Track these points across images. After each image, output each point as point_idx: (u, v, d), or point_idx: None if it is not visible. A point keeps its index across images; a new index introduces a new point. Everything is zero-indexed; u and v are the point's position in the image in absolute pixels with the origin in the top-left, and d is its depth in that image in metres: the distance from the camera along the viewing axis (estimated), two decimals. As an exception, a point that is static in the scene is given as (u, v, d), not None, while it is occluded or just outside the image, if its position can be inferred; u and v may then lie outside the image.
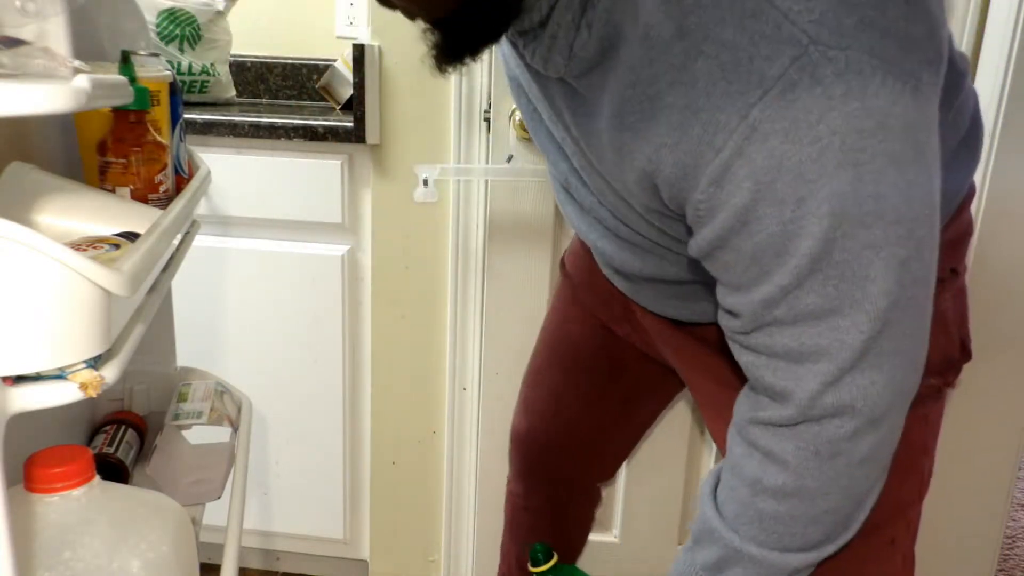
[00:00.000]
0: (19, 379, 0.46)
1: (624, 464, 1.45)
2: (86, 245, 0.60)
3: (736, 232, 0.55)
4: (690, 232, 0.61)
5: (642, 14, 0.54)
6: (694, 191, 0.56)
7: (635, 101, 0.57)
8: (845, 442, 0.60)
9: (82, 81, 0.42)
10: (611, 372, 1.01)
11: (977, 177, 1.22)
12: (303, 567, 1.57)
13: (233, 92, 1.66)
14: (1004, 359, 1.28)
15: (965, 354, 0.77)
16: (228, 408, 1.00)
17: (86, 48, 0.80)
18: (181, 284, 0.97)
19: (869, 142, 0.51)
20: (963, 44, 1.20)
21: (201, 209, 1.32)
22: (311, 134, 1.29)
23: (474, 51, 0.62)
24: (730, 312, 0.62)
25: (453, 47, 0.61)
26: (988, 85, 1.19)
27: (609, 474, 1.15)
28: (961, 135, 0.71)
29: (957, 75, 0.67)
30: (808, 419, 0.60)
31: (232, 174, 1.32)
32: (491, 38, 0.61)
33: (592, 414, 1.04)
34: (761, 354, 0.61)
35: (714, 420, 0.86)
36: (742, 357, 0.64)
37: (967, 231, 0.77)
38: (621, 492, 1.47)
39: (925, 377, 0.63)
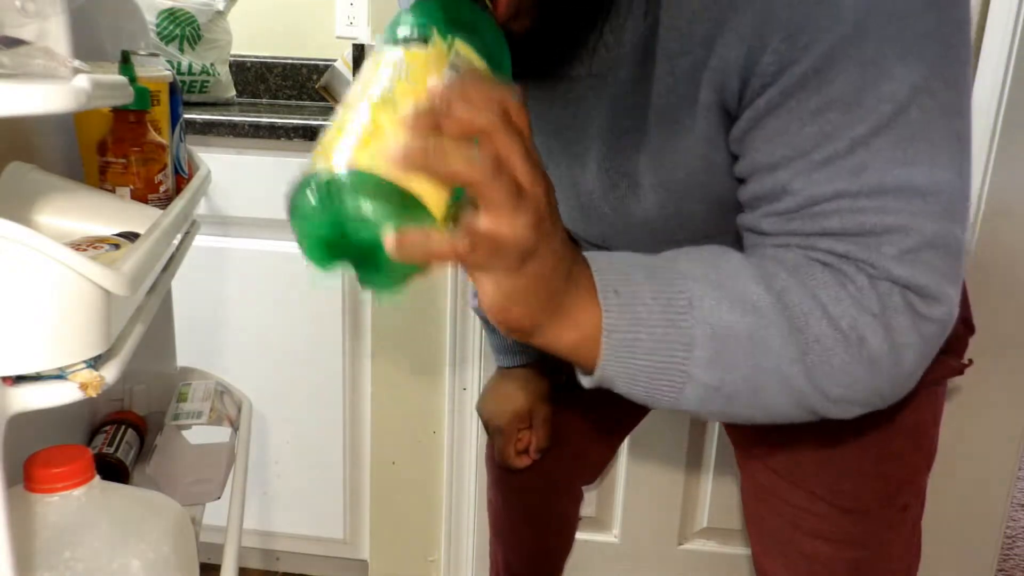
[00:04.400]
0: (19, 379, 0.46)
1: (624, 464, 1.46)
2: (86, 245, 0.60)
3: (804, 82, 0.49)
4: (732, 122, 0.54)
5: None
6: (763, 57, 0.50)
7: (675, 33, 0.53)
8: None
9: (82, 81, 0.42)
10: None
11: (977, 177, 1.22)
12: (303, 567, 1.57)
13: (233, 92, 1.66)
14: (1004, 359, 1.28)
15: (969, 328, 0.75)
16: (228, 408, 1.00)
17: (86, 48, 0.80)
18: (181, 284, 0.97)
19: None
20: (963, 44, 1.20)
21: (201, 209, 1.32)
22: (311, 134, 1.29)
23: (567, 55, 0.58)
24: (774, 193, 0.53)
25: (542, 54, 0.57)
26: (988, 85, 1.19)
27: (590, 479, 1.13)
28: None
29: None
30: (879, 277, 0.51)
31: (232, 174, 1.32)
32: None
33: (575, 425, 1.02)
34: (822, 236, 0.52)
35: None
36: (811, 252, 0.52)
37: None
38: (621, 492, 1.47)
39: (942, 357, 0.56)
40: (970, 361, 0.77)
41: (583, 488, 1.13)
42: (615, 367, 0.50)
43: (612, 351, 0.50)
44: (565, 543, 1.16)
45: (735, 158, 0.56)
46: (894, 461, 0.74)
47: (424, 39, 0.49)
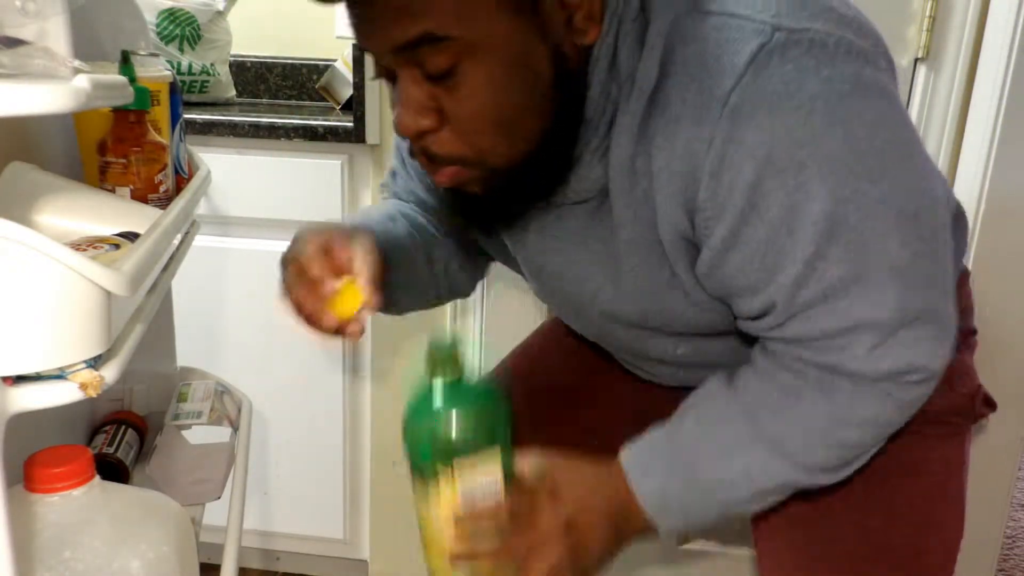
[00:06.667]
0: (19, 379, 0.46)
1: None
2: (86, 245, 0.60)
3: (746, 219, 0.56)
4: (699, 252, 0.61)
5: (638, 78, 0.58)
6: (698, 194, 0.57)
7: (641, 155, 0.59)
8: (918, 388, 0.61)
9: (82, 81, 0.42)
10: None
11: (977, 177, 1.22)
12: (303, 567, 1.57)
13: (233, 92, 1.66)
14: (1004, 359, 1.28)
15: (990, 405, 0.80)
16: (228, 408, 1.00)
17: (86, 48, 0.80)
18: (181, 284, 0.97)
19: (850, 101, 0.53)
20: (963, 44, 1.20)
21: (201, 209, 1.32)
22: (311, 134, 1.29)
23: (534, 196, 0.66)
24: (759, 314, 0.62)
25: (509, 198, 0.65)
26: (988, 85, 1.19)
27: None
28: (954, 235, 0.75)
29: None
30: (867, 380, 0.60)
31: (232, 174, 1.32)
32: (553, 184, 0.64)
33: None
34: (802, 343, 0.61)
35: None
36: (785, 358, 0.63)
37: (970, 301, 0.82)
38: (621, 492, 1.46)
39: (952, 419, 0.73)
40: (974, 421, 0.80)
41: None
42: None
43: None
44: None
45: (705, 279, 0.63)
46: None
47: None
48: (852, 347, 0.59)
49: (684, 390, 0.72)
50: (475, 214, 0.74)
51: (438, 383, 0.62)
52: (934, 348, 0.60)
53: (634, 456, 0.69)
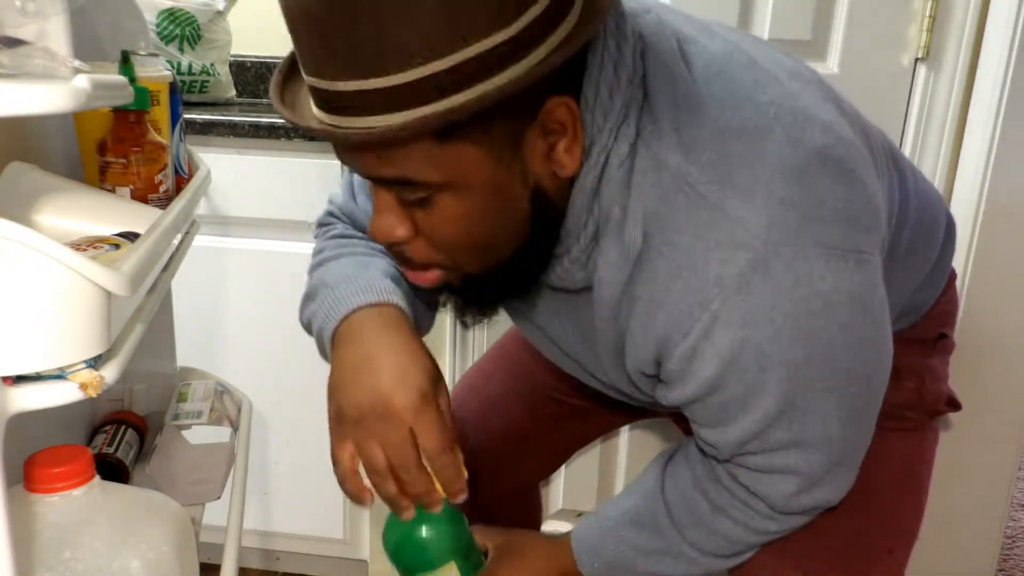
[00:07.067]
0: (19, 379, 0.46)
1: (624, 462, 1.45)
2: (86, 245, 0.60)
3: (706, 395, 0.63)
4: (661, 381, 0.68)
5: (626, 230, 0.60)
6: (668, 362, 0.63)
7: (625, 302, 0.63)
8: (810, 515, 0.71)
9: (82, 81, 0.42)
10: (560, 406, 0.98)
11: (977, 177, 1.22)
12: (303, 567, 1.57)
13: (233, 92, 1.66)
14: (1004, 359, 1.28)
15: (953, 405, 0.84)
16: (228, 408, 1.00)
17: (86, 48, 0.80)
18: (181, 284, 0.97)
19: (818, 320, 0.58)
20: (963, 44, 1.20)
21: (201, 209, 1.32)
22: (311, 134, 1.28)
23: (514, 293, 0.70)
24: (705, 442, 0.69)
25: (490, 297, 0.68)
26: (988, 85, 1.19)
27: (534, 482, 1.12)
28: (934, 257, 0.80)
29: (931, 218, 0.78)
30: (779, 512, 0.70)
31: (232, 174, 1.32)
32: (532, 281, 0.68)
33: (526, 423, 0.99)
34: (738, 470, 0.69)
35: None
36: (720, 472, 0.71)
37: (952, 305, 0.86)
38: (620, 490, 1.46)
39: (906, 413, 0.79)
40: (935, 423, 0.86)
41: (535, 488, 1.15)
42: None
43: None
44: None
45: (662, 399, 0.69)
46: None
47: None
48: (780, 485, 0.67)
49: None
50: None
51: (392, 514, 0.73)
52: (846, 485, 0.69)
53: (583, 538, 0.79)
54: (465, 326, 0.71)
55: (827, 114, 0.61)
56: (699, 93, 0.59)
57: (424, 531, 0.73)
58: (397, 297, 0.68)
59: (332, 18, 0.50)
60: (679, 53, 0.61)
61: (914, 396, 0.80)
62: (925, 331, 0.82)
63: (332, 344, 0.68)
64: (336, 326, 0.67)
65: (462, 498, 0.65)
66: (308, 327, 0.73)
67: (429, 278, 0.64)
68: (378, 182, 0.58)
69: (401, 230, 0.60)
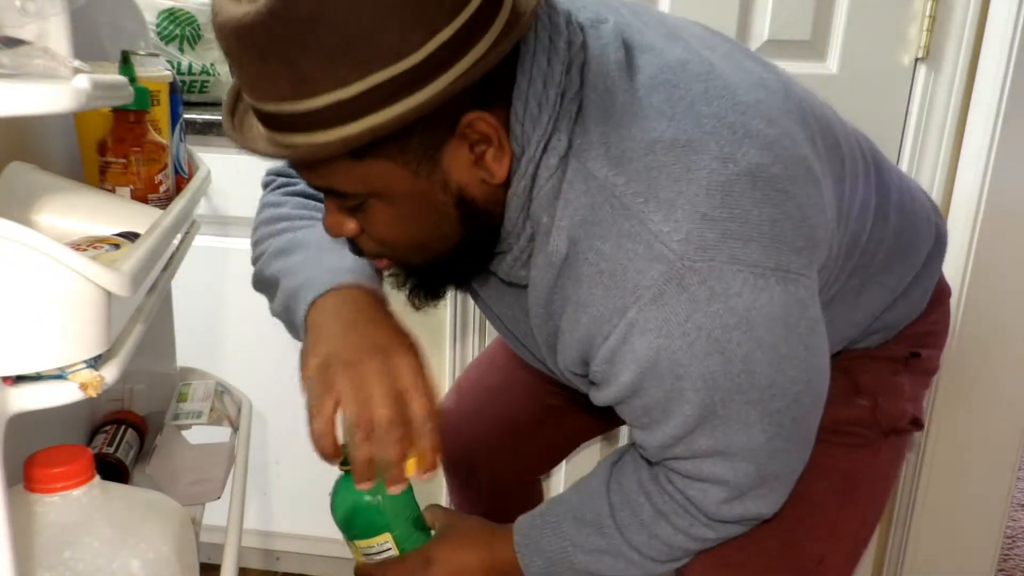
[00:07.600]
0: (19, 379, 0.46)
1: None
2: (86, 245, 0.60)
3: (628, 397, 0.64)
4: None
5: (551, 238, 0.63)
6: (592, 363, 0.65)
7: (556, 301, 0.65)
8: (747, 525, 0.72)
9: (82, 81, 0.42)
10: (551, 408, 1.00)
11: (977, 177, 1.22)
12: (303, 567, 1.57)
13: (233, 92, 1.65)
14: (1004, 359, 1.28)
15: (916, 425, 0.83)
16: (228, 408, 1.00)
17: (86, 48, 0.80)
18: (181, 284, 0.97)
19: (733, 334, 0.58)
20: (963, 44, 1.20)
21: (201, 209, 1.32)
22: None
23: (459, 283, 0.74)
24: (637, 443, 0.70)
25: (437, 284, 0.72)
26: (988, 85, 1.19)
27: (535, 474, 1.13)
28: (910, 277, 0.79)
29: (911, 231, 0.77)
30: (714, 520, 0.71)
31: (232, 174, 1.32)
32: (475, 273, 0.72)
33: (527, 412, 1.01)
34: (671, 475, 0.70)
35: None
36: (659, 475, 0.72)
37: (937, 327, 0.85)
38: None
39: (855, 429, 0.79)
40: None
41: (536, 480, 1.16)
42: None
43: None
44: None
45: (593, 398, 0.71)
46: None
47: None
48: (711, 491, 0.68)
49: None
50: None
51: (345, 477, 0.77)
52: (779, 499, 0.70)
53: (524, 531, 0.79)
54: (416, 308, 0.73)
55: (777, 128, 0.61)
56: (638, 104, 0.60)
57: (378, 500, 0.77)
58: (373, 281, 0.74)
59: (244, 55, 0.54)
60: (624, 64, 0.62)
61: (866, 414, 0.80)
62: (896, 350, 0.82)
63: (309, 307, 0.70)
64: (319, 295, 0.69)
65: (431, 475, 0.65)
66: (274, 282, 0.75)
67: (381, 263, 0.69)
68: (317, 190, 0.63)
69: (348, 227, 0.64)
